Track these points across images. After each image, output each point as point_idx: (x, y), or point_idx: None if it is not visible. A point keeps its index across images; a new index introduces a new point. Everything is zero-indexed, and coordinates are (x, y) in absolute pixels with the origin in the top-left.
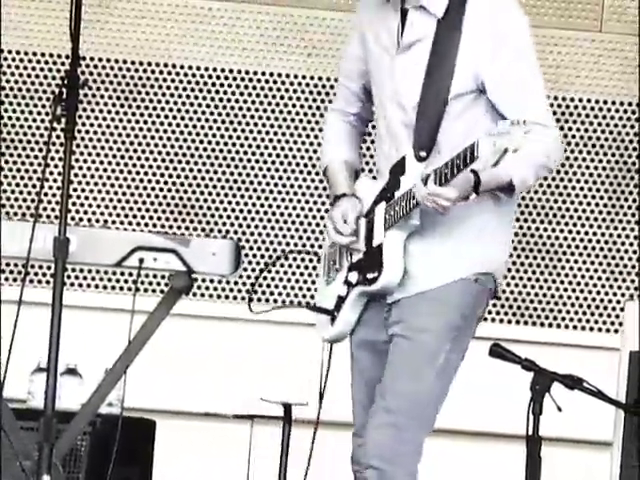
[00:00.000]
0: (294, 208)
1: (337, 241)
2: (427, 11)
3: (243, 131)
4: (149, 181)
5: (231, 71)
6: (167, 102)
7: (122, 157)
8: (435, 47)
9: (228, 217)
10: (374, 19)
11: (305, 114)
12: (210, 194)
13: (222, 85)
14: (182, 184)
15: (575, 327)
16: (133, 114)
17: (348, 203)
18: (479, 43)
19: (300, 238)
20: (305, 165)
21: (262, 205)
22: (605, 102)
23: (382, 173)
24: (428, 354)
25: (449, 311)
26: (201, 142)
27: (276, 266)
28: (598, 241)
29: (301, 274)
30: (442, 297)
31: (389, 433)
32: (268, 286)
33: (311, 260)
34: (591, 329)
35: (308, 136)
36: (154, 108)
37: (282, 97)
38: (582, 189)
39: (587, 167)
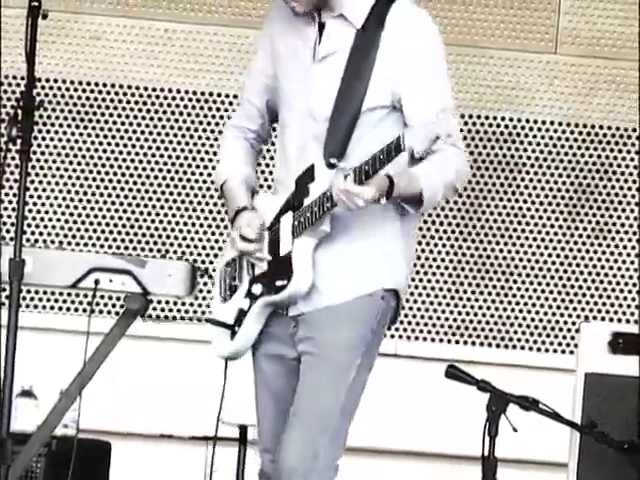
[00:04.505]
0: None
1: (244, 249)
2: (347, 20)
3: (199, 152)
4: (104, 202)
5: (187, 92)
6: (122, 123)
7: (78, 178)
8: (352, 58)
9: (184, 238)
10: (288, 33)
11: None
12: (166, 215)
13: (177, 106)
14: (138, 205)
15: (530, 348)
16: (89, 135)
17: (250, 214)
18: (396, 59)
19: None
20: (261, 186)
21: (218, 227)
22: (560, 124)
23: (284, 185)
24: (340, 370)
25: (359, 326)
26: (156, 163)
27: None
28: (553, 262)
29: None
30: (351, 312)
31: (303, 451)
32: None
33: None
34: (546, 350)
35: (264, 157)
36: (109, 129)
37: None
38: (537, 210)
39: (542, 188)
